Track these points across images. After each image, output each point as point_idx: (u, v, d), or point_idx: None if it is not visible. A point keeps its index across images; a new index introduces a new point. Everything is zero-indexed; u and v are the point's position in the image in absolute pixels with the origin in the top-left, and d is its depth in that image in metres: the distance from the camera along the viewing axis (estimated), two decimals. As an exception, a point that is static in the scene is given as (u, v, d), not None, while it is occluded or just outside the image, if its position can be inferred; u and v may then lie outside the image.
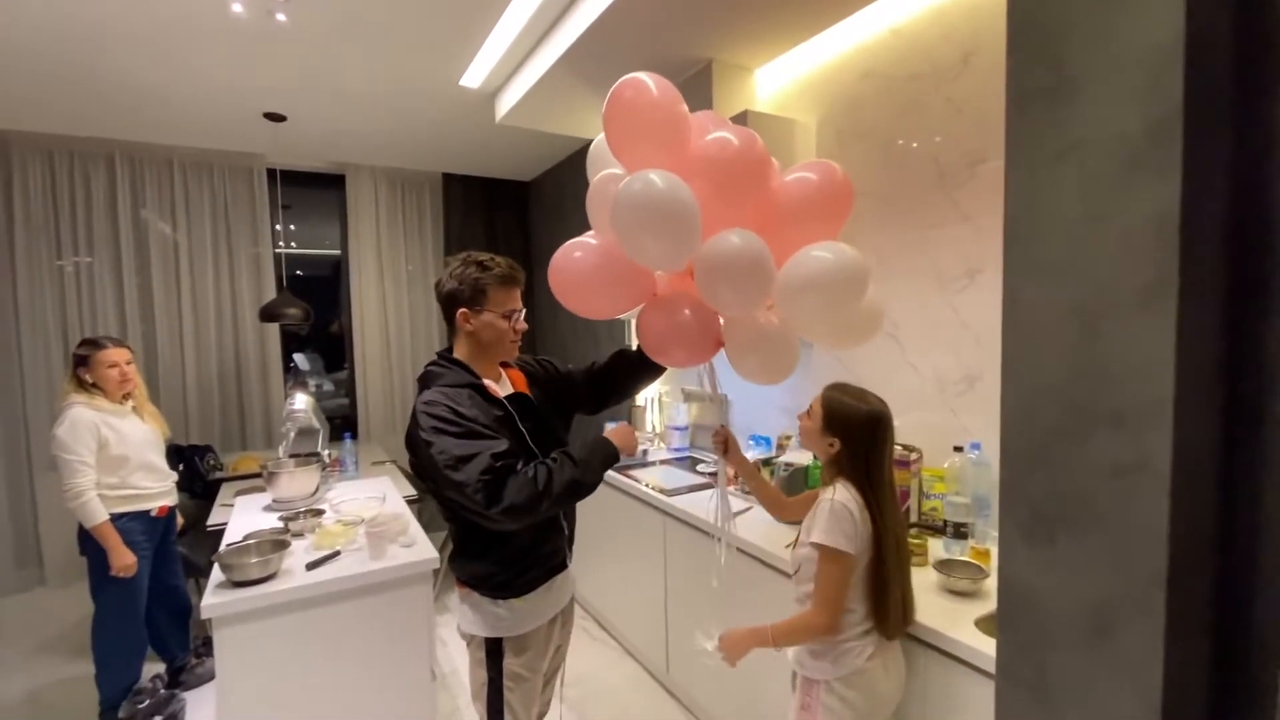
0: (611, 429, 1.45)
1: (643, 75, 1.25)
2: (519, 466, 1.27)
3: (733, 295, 1.27)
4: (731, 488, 2.05)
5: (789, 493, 2.03)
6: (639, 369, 1.65)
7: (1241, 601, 0.55)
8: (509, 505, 1.22)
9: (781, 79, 2.44)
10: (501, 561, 1.41)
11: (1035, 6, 0.60)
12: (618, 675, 2.65)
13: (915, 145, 1.98)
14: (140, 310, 3.84)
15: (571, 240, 1.40)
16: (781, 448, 2.47)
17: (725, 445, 1.54)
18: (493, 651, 1.46)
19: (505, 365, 1.57)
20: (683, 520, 2.26)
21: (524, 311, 1.49)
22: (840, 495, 1.30)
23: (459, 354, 1.46)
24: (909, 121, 1.99)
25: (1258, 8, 0.52)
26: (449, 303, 1.44)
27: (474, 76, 2.83)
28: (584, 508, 3.18)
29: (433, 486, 1.37)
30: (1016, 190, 0.61)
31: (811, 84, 2.32)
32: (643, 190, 1.15)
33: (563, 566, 1.53)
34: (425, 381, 1.43)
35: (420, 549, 1.97)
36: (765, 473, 2.29)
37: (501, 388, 1.50)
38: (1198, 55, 0.50)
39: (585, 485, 1.31)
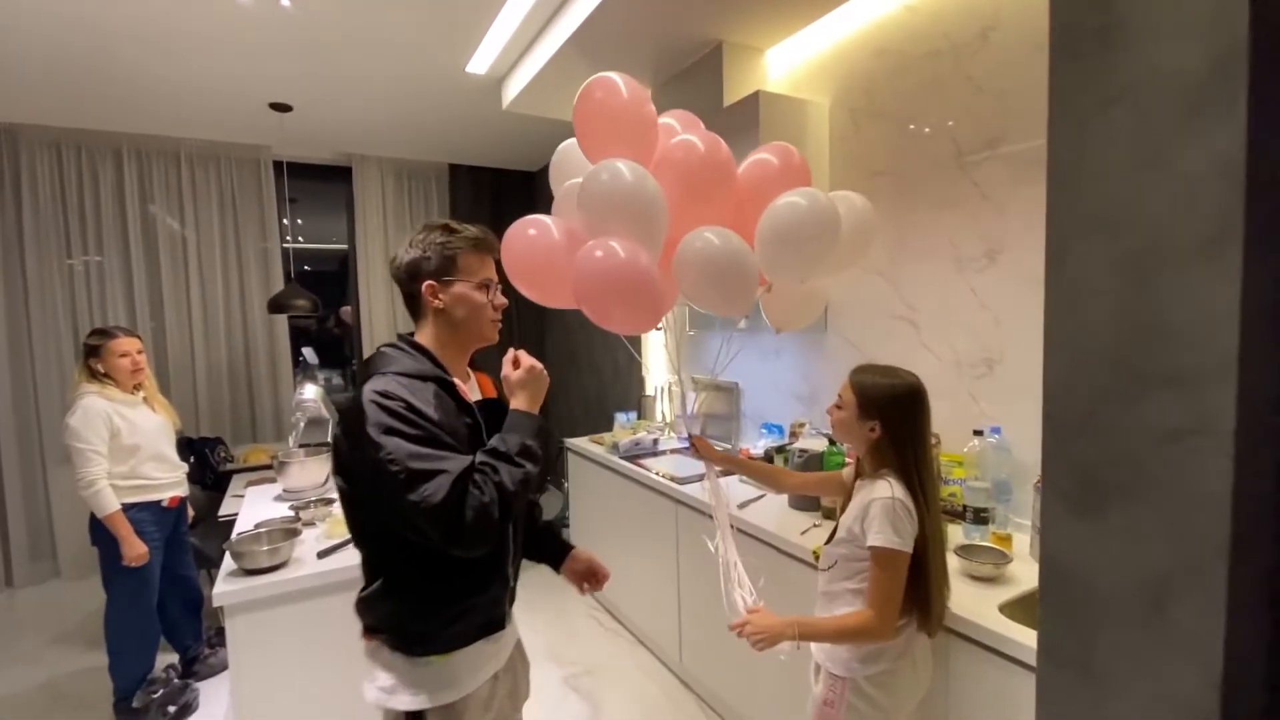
0: (516, 379, 1.19)
1: (613, 75, 1.29)
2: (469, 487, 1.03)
3: (715, 294, 1.32)
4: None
5: (804, 479, 2.00)
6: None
7: (1304, 572, 0.52)
8: (470, 536, 1.00)
9: (793, 59, 2.40)
10: (425, 604, 1.11)
11: (1081, -55, 0.56)
12: (630, 664, 2.64)
13: (932, 124, 1.93)
14: (150, 305, 3.85)
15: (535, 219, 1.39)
16: (794, 435, 2.44)
17: (697, 450, 1.64)
18: None
19: (474, 367, 1.32)
20: (695, 508, 2.24)
21: (499, 285, 1.28)
22: (896, 491, 1.23)
23: (424, 340, 1.20)
24: (926, 100, 1.95)
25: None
26: (411, 275, 1.18)
27: (481, 62, 2.80)
28: (594, 496, 3.13)
29: (358, 494, 1.11)
30: (1062, 141, 0.58)
31: (824, 64, 2.27)
32: (610, 180, 1.21)
33: (499, 626, 1.21)
34: (375, 365, 1.14)
35: (432, 537, 1.96)
36: (779, 460, 2.26)
37: (471, 391, 1.25)
38: (1265, -17, 0.47)
39: (533, 475, 1.10)
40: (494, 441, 1.10)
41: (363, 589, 1.16)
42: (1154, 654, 0.54)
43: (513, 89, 2.93)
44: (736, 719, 2.17)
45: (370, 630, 1.17)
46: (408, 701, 1.11)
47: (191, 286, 3.93)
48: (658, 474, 2.51)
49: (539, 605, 3.05)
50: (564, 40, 2.35)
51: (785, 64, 2.44)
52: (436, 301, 1.18)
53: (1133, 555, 0.55)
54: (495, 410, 1.21)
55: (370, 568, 1.16)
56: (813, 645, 1.38)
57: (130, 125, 3.58)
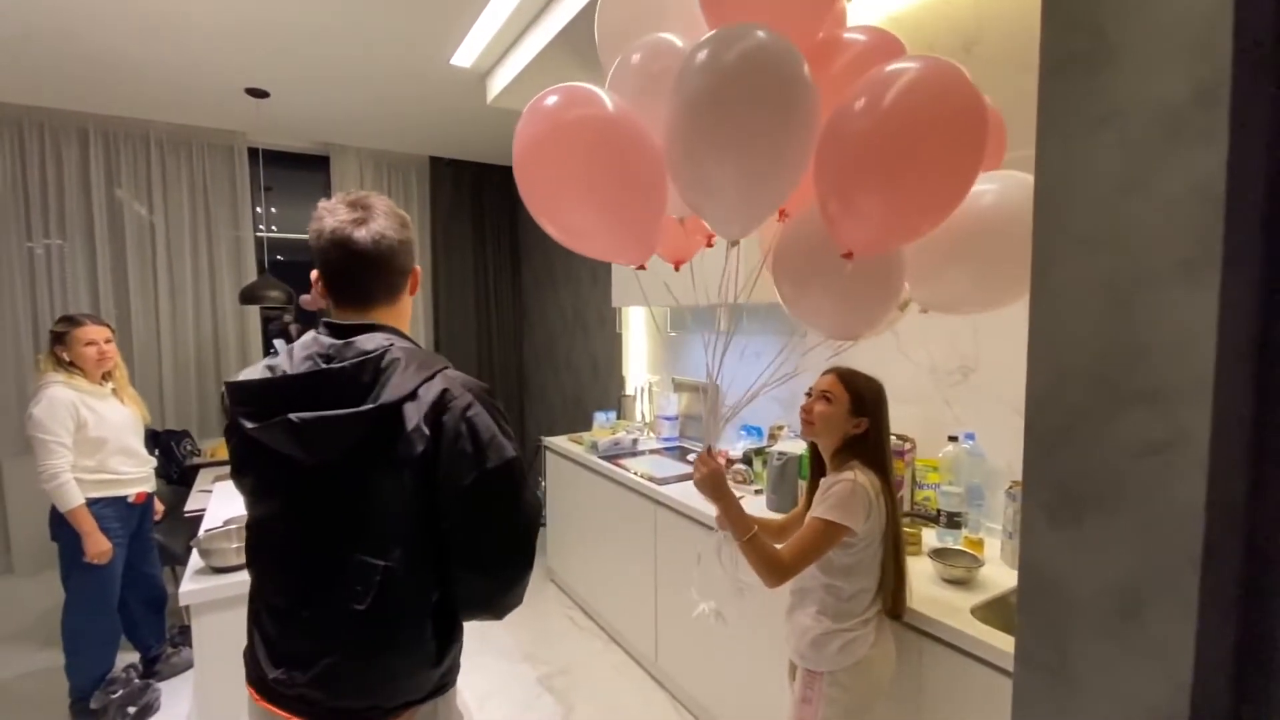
0: None
1: None
2: None
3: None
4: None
5: (782, 485, 2.03)
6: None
7: (1265, 580, 0.54)
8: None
9: (779, 65, 2.42)
10: (456, 626, 1.03)
11: (1072, -30, 0.58)
12: (604, 663, 2.64)
13: (914, 134, 1.97)
14: (114, 292, 3.72)
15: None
16: (773, 437, 2.46)
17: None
18: None
19: None
20: (674, 509, 2.24)
21: None
22: (861, 478, 1.28)
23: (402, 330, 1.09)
24: (908, 110, 1.98)
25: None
26: (407, 257, 1.06)
27: (465, 55, 2.77)
28: (569, 499, 3.12)
29: (429, 509, 0.92)
30: (1050, 160, 0.59)
31: (810, 71, 2.29)
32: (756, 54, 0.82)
33: None
34: (425, 364, 0.95)
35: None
36: (758, 462, 2.28)
37: None
38: (1246, 16, 0.49)
39: None
40: None
41: (386, 658, 0.92)
42: (1126, 660, 0.56)
43: (498, 84, 2.90)
44: (711, 719, 2.18)
45: (405, 706, 0.95)
46: None
47: (159, 274, 3.81)
48: (636, 474, 2.51)
49: (514, 604, 3.03)
50: (552, 36, 2.34)
51: (771, 69, 2.46)
52: (413, 294, 1.11)
53: (1107, 565, 0.57)
54: None
55: (404, 614, 0.93)
56: (790, 646, 1.40)
57: (97, 106, 3.46)
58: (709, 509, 2.02)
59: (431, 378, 0.94)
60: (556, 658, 2.68)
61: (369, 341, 0.95)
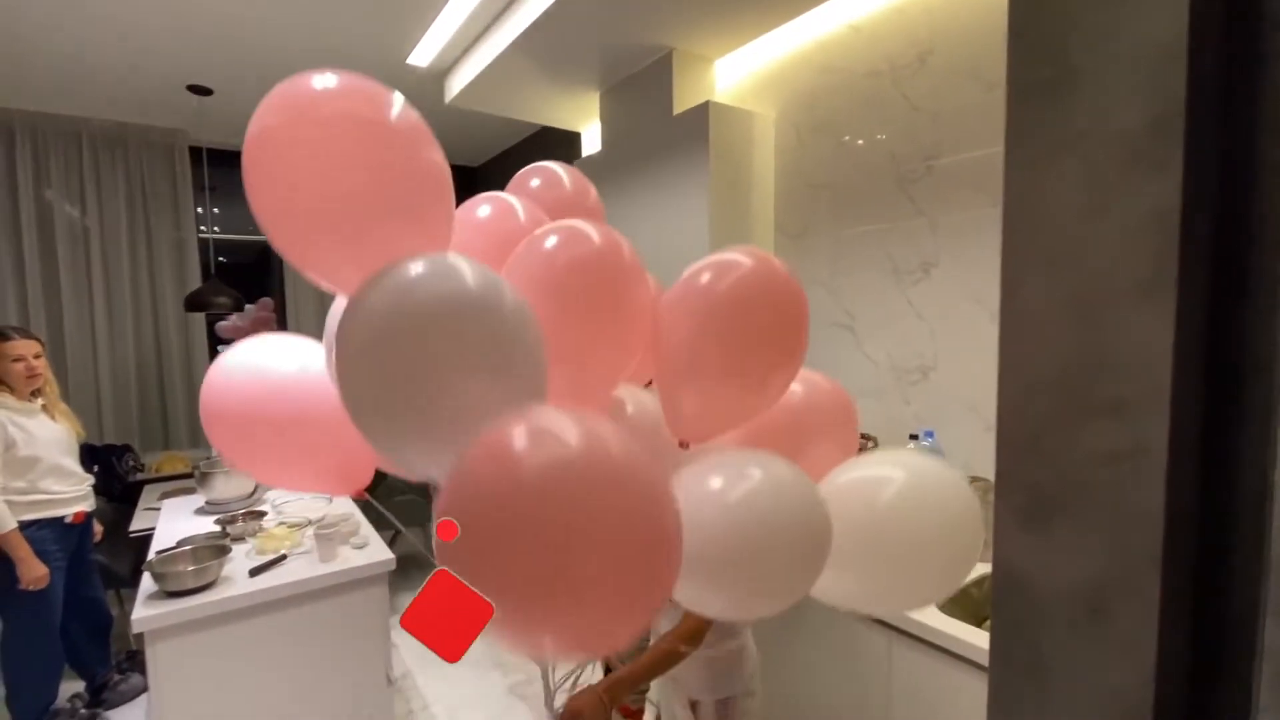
0: None
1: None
2: None
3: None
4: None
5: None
6: None
7: (1218, 579, 0.58)
8: None
9: (741, 71, 2.45)
10: None
11: (1036, 1, 0.60)
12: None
13: (872, 141, 2.02)
14: (45, 300, 3.51)
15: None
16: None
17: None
18: None
19: None
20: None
21: None
22: None
23: None
24: (867, 117, 2.03)
25: (1244, 8, 0.54)
26: None
27: (423, 55, 2.72)
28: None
29: None
30: (1016, 181, 0.62)
31: (771, 77, 2.33)
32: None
33: None
34: None
35: (374, 550, 1.89)
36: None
37: None
38: (1198, 54, 0.52)
39: None
40: None
41: None
42: (1094, 655, 0.59)
43: (456, 84, 2.85)
44: None
45: None
46: None
47: (94, 279, 3.61)
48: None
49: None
50: (512, 39, 2.31)
51: (734, 75, 2.49)
52: None
53: (1075, 565, 0.60)
54: None
55: None
56: (691, 688, 1.30)
57: (24, 102, 3.26)
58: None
59: None
60: (527, 665, 2.66)
61: None
